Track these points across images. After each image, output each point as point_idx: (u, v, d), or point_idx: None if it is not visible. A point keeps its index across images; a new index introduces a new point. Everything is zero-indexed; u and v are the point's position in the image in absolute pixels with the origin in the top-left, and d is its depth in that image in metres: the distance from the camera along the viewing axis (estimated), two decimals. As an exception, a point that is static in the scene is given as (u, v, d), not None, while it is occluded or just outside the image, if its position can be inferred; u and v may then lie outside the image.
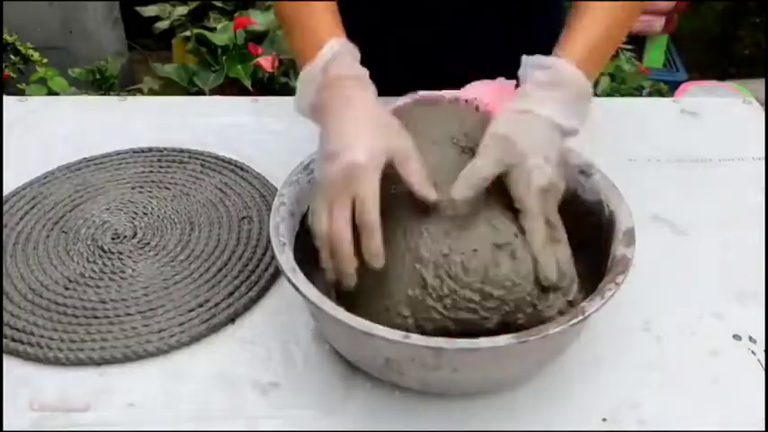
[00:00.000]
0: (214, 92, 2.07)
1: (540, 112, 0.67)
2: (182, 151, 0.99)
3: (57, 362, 0.71)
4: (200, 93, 2.09)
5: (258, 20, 2.19)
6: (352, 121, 0.66)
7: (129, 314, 0.75)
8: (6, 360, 0.72)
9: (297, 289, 0.63)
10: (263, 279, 0.80)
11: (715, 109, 1.10)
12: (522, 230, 0.65)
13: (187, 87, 2.13)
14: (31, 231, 0.86)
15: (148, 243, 0.85)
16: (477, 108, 0.75)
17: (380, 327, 0.60)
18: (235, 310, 0.76)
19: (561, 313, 0.64)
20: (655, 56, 2.50)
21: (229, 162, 0.97)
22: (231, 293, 0.78)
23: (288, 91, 2.08)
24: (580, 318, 0.61)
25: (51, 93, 2.05)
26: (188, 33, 2.24)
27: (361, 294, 0.66)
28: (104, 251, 0.83)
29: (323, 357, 0.72)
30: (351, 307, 0.64)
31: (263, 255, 0.83)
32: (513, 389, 0.69)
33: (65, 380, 0.70)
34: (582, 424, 0.67)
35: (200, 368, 0.72)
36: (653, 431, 0.67)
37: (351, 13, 0.77)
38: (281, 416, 0.67)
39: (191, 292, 0.78)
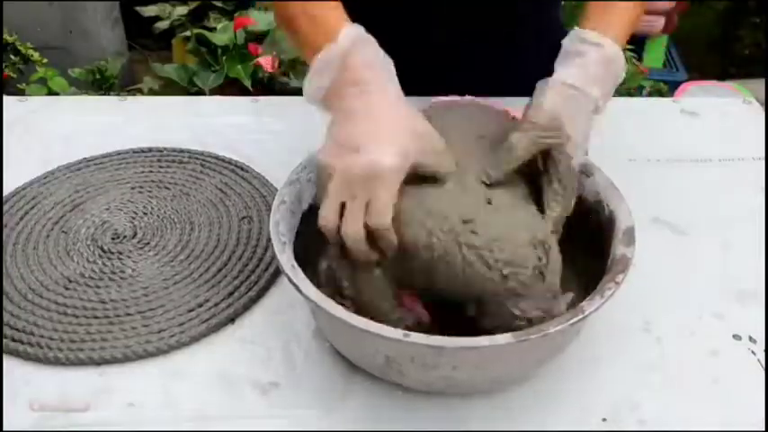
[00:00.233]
0: (214, 92, 2.07)
1: (590, 92, 0.67)
2: (182, 151, 0.99)
3: (57, 362, 0.71)
4: (200, 93, 2.09)
5: (258, 20, 2.19)
6: (380, 115, 0.62)
7: (128, 314, 0.75)
8: (6, 360, 0.72)
9: (297, 288, 0.63)
10: (263, 279, 0.80)
11: (715, 109, 1.10)
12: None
13: (187, 87, 2.13)
14: (31, 231, 0.86)
15: (148, 243, 0.85)
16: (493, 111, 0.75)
17: (380, 325, 0.61)
18: (235, 310, 0.76)
19: (529, 320, 0.64)
20: (655, 56, 2.50)
21: (229, 162, 0.97)
22: (231, 293, 0.78)
23: (288, 91, 2.08)
24: (580, 317, 0.61)
25: (51, 93, 2.05)
26: (188, 33, 2.24)
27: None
28: (104, 251, 0.83)
29: (323, 357, 0.72)
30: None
31: (263, 255, 0.83)
32: (513, 388, 0.69)
33: (65, 380, 0.70)
34: (582, 424, 0.67)
35: (200, 368, 0.72)
36: (653, 431, 0.67)
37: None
38: (281, 416, 0.67)
39: (191, 292, 0.78)
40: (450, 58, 1.00)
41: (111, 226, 0.87)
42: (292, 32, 0.70)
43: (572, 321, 0.60)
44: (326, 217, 0.63)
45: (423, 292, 0.67)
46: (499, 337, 0.60)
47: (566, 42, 0.71)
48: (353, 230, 0.61)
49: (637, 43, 2.40)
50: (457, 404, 0.68)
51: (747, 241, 0.85)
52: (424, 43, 1.00)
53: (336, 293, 0.66)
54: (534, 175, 0.70)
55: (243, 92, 2.05)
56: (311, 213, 0.74)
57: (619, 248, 0.67)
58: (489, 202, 0.65)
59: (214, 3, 2.40)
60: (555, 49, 0.98)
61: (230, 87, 2.11)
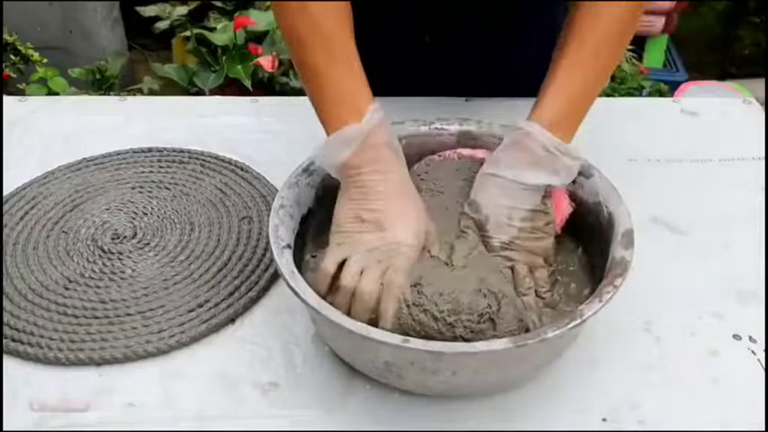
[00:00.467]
0: (214, 92, 2.08)
1: (503, 174, 0.71)
2: (182, 151, 0.99)
3: (57, 362, 0.71)
4: (200, 93, 2.09)
5: (258, 20, 2.19)
6: (399, 195, 0.68)
7: (128, 314, 0.75)
8: (6, 360, 0.72)
9: (296, 293, 0.63)
10: (263, 279, 0.80)
11: (715, 109, 1.10)
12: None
13: (187, 87, 2.13)
14: (31, 231, 0.86)
15: (148, 243, 0.85)
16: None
17: (379, 330, 0.61)
18: (235, 310, 0.76)
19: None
20: (655, 56, 2.50)
21: (229, 162, 0.97)
22: (231, 293, 0.78)
23: (288, 91, 2.08)
24: (578, 321, 0.61)
25: (51, 93, 2.05)
26: (188, 33, 2.24)
27: None
28: (104, 251, 0.83)
29: (323, 357, 0.72)
30: None
31: (263, 255, 0.83)
32: (513, 389, 0.69)
33: (65, 380, 0.70)
34: (582, 424, 0.67)
35: (200, 368, 0.72)
36: (653, 431, 0.67)
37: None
38: (280, 416, 0.67)
39: (191, 293, 0.78)
40: (450, 59, 1.00)
41: (111, 226, 0.87)
42: (313, 88, 0.72)
43: (570, 326, 0.60)
44: (327, 267, 0.66)
45: None
46: (497, 342, 0.60)
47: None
48: (370, 289, 0.65)
49: (637, 43, 2.40)
50: (456, 405, 0.68)
51: (747, 241, 0.85)
52: (424, 44, 1.00)
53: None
54: None
55: (243, 92, 2.05)
56: (310, 216, 0.74)
57: (618, 251, 0.67)
58: (448, 264, 0.68)
59: (214, 3, 2.40)
60: (545, 48, 0.97)
61: (230, 87, 2.12)
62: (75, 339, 0.73)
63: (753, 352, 0.73)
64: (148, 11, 2.41)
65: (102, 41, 2.43)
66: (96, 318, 0.75)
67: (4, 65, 2.13)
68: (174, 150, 0.99)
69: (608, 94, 2.06)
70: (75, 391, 0.69)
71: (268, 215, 0.72)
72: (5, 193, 0.92)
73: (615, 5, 0.73)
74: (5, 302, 0.77)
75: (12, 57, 2.16)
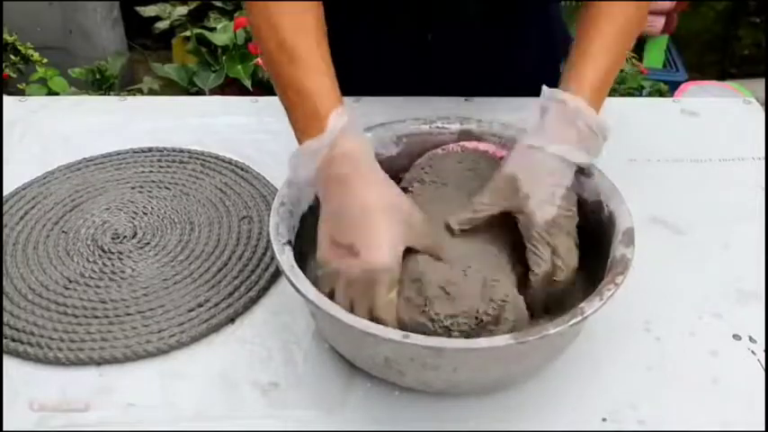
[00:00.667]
0: (214, 92, 2.08)
1: (550, 149, 0.69)
2: (182, 151, 0.99)
3: (57, 362, 0.71)
4: (200, 93, 2.09)
5: (258, 20, 2.19)
6: (370, 210, 0.64)
7: (128, 314, 0.75)
8: (6, 360, 0.72)
9: (296, 288, 0.63)
10: (263, 279, 0.80)
11: (715, 109, 1.10)
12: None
13: (187, 87, 2.13)
14: (31, 231, 0.86)
15: (148, 243, 0.85)
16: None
17: (379, 326, 0.61)
18: (235, 310, 0.76)
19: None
20: (655, 56, 2.50)
21: (229, 162, 0.97)
22: (231, 293, 0.78)
23: (288, 91, 2.08)
24: (579, 318, 0.61)
25: (51, 93, 2.05)
26: (188, 33, 2.24)
27: None
28: (104, 251, 0.83)
29: (323, 357, 0.72)
30: None
31: (263, 255, 0.83)
32: (513, 388, 0.69)
33: (65, 380, 0.70)
34: (582, 424, 0.67)
35: (199, 368, 0.72)
36: (653, 431, 0.67)
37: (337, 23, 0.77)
38: (281, 416, 0.67)
39: (191, 292, 0.78)
40: (450, 59, 1.00)
41: (111, 226, 0.87)
42: (279, 94, 0.72)
43: (571, 323, 0.60)
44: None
45: None
46: (499, 338, 0.60)
47: (540, 101, 0.72)
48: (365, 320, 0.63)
49: (637, 43, 2.39)
50: (457, 404, 0.68)
51: (747, 241, 0.85)
52: (423, 43, 1.00)
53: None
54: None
55: (243, 92, 2.06)
56: (310, 214, 0.74)
57: (618, 249, 0.67)
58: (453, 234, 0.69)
59: (214, 3, 2.40)
60: (555, 49, 0.99)
61: (230, 87, 2.12)
62: (75, 339, 0.73)
63: (753, 352, 0.73)
64: (148, 11, 2.42)
65: (102, 41, 2.43)
66: (96, 318, 0.75)
67: (4, 65, 2.13)
68: (174, 150, 0.99)
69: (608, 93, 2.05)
70: (75, 391, 0.69)
71: (268, 215, 0.72)
72: (5, 193, 0.92)
73: (627, 5, 0.75)
74: (5, 302, 0.77)
75: (12, 57, 2.16)
